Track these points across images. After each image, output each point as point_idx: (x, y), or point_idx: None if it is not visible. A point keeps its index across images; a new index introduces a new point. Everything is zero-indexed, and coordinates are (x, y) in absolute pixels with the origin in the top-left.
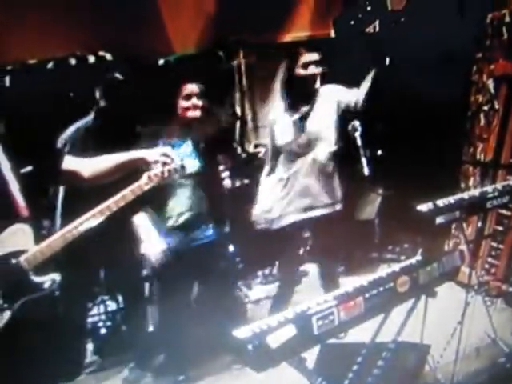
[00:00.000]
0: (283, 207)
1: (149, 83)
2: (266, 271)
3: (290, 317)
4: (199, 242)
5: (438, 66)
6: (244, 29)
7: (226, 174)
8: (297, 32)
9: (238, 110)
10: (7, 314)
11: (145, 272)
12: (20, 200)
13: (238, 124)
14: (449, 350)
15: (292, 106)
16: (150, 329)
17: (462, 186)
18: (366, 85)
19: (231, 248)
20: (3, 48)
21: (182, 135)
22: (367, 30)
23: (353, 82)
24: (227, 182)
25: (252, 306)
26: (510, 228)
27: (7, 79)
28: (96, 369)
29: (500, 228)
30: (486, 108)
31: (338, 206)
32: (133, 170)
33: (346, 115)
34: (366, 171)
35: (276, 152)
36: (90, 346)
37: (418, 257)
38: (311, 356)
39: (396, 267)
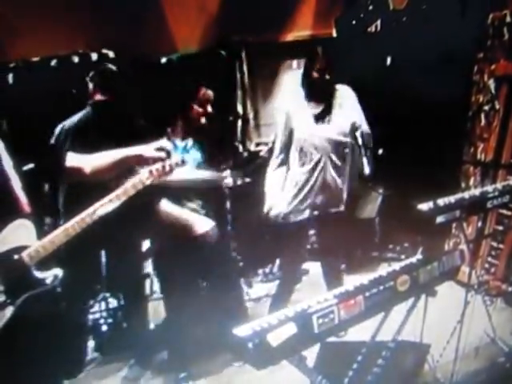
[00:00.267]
0: (298, 202)
1: (157, 81)
2: (267, 269)
3: (290, 315)
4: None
5: (439, 66)
6: (246, 28)
7: (229, 172)
8: (299, 31)
9: (240, 109)
10: (10, 310)
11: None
12: (22, 196)
13: (239, 122)
14: (448, 350)
15: (311, 101)
16: (151, 326)
17: (463, 185)
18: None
19: (234, 246)
20: (6, 46)
21: (188, 136)
22: (369, 29)
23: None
24: (231, 181)
25: (252, 304)
26: (510, 228)
27: (10, 77)
28: (97, 366)
29: (500, 228)
30: (486, 108)
31: (345, 205)
32: (133, 165)
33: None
34: (367, 170)
35: (288, 145)
36: (91, 343)
37: (419, 256)
38: (311, 354)
39: (396, 266)
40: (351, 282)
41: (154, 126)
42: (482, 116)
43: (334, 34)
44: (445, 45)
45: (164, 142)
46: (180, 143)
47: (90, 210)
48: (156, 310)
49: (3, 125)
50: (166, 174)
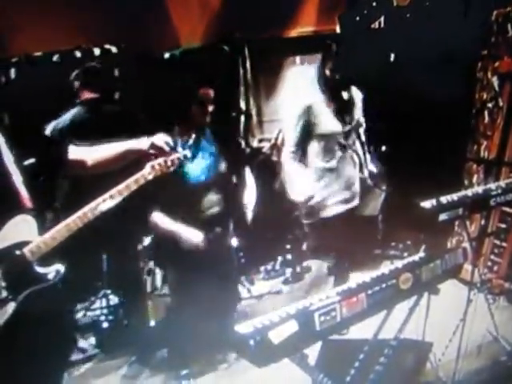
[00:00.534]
0: (324, 198)
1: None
2: (269, 266)
3: (292, 312)
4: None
5: (442, 63)
6: (249, 24)
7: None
8: (302, 27)
9: (243, 105)
10: (12, 306)
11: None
12: (23, 192)
13: (242, 119)
14: (451, 348)
15: (328, 97)
16: (152, 323)
17: (466, 183)
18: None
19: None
20: (8, 40)
21: (192, 133)
22: (372, 25)
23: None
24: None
25: (254, 301)
26: None
27: (12, 71)
28: (97, 363)
29: (503, 226)
30: (490, 105)
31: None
32: (135, 158)
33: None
34: (370, 167)
35: (306, 138)
36: (91, 340)
37: (421, 254)
38: (313, 352)
39: (399, 264)
40: (353, 279)
41: (156, 122)
42: (486, 113)
43: (338, 31)
44: (448, 42)
45: (165, 137)
46: (184, 140)
47: (92, 204)
48: (157, 307)
49: (4, 119)
50: (169, 169)
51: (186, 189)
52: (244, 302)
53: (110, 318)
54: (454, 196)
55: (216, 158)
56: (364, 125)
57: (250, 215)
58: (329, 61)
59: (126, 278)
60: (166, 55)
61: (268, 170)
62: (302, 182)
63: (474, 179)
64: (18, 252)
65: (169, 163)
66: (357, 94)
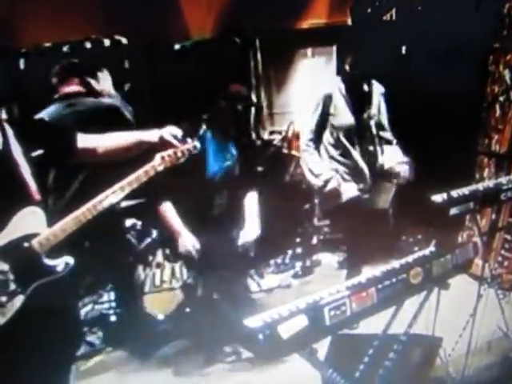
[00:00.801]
0: (339, 184)
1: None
2: (279, 260)
3: (301, 307)
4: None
5: (454, 56)
6: (260, 16)
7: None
8: (313, 19)
9: (254, 97)
10: (20, 299)
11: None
12: (32, 184)
13: (253, 111)
14: (460, 343)
15: (348, 91)
16: (161, 317)
17: (477, 176)
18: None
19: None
20: (17, 31)
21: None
22: (384, 17)
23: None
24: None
25: (264, 295)
26: None
27: (21, 62)
28: (105, 356)
29: None
30: (501, 99)
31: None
32: (146, 149)
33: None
34: (381, 160)
35: (322, 128)
36: (99, 334)
37: (432, 248)
38: (322, 347)
39: (409, 258)
40: (365, 273)
41: (160, 114)
42: (497, 107)
43: (349, 23)
44: (460, 34)
45: (174, 129)
46: (194, 131)
47: (102, 196)
48: (164, 301)
49: (13, 111)
50: (178, 160)
51: (197, 182)
52: (253, 295)
53: (118, 311)
54: (465, 190)
55: (228, 153)
56: (374, 118)
57: (260, 209)
58: (347, 55)
59: (121, 271)
60: (177, 46)
61: (279, 162)
62: (320, 166)
63: (485, 173)
64: (26, 244)
65: (179, 154)
66: (377, 88)
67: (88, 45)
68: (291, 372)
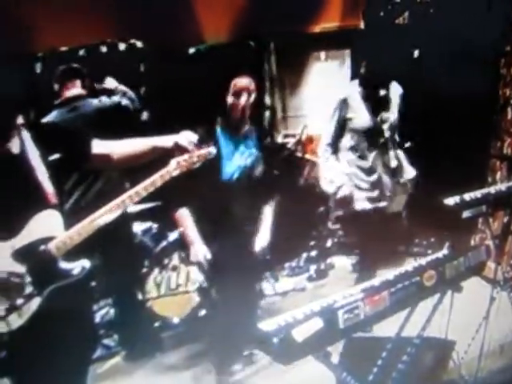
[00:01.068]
0: (353, 191)
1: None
2: (293, 263)
3: (316, 310)
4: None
5: (466, 59)
6: (275, 19)
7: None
8: (326, 23)
9: (268, 101)
10: (37, 301)
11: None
12: (49, 187)
13: (267, 114)
14: (473, 346)
15: (366, 95)
16: (176, 320)
17: (489, 180)
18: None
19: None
20: (34, 35)
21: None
22: (397, 21)
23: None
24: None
25: (279, 298)
26: None
27: (38, 66)
28: (121, 358)
29: None
30: None
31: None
32: (160, 155)
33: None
34: (394, 163)
35: (340, 132)
36: (115, 336)
37: (445, 251)
38: (336, 350)
39: (423, 261)
40: (378, 276)
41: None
42: (509, 110)
43: (362, 26)
44: (472, 37)
45: (190, 135)
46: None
47: (118, 200)
48: (179, 304)
49: (30, 115)
50: (194, 165)
51: (212, 185)
52: (268, 299)
53: (132, 314)
54: (478, 193)
55: (244, 153)
56: (388, 121)
57: (275, 212)
58: (362, 57)
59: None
60: (191, 50)
61: (293, 165)
62: (334, 173)
63: (498, 176)
64: (43, 247)
65: (194, 159)
66: (396, 91)
67: (104, 49)
68: (305, 375)
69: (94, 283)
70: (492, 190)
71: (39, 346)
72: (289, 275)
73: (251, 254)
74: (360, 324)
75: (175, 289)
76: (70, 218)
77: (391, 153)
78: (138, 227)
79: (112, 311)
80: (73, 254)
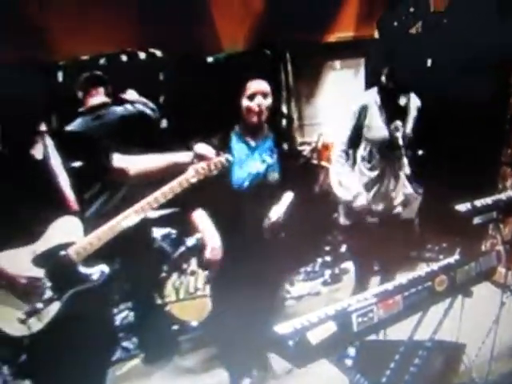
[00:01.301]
0: (367, 202)
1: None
2: (309, 268)
3: (330, 314)
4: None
5: (477, 68)
6: (291, 28)
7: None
8: (341, 32)
9: (285, 109)
10: (56, 305)
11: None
12: (70, 194)
13: (284, 122)
14: (484, 350)
15: (383, 104)
16: (194, 323)
17: (500, 186)
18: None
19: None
20: (56, 44)
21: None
22: (410, 31)
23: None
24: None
25: (294, 302)
26: None
27: (60, 75)
28: (140, 361)
29: None
30: None
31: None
32: (180, 170)
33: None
34: (407, 170)
35: (356, 140)
36: (134, 339)
37: (456, 256)
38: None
39: (434, 266)
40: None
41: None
42: None
43: (376, 36)
44: (484, 47)
45: (206, 146)
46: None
47: (137, 206)
48: (198, 308)
49: (53, 122)
50: (211, 173)
51: (223, 194)
52: (284, 302)
53: (152, 318)
54: (488, 200)
55: (259, 163)
56: (401, 129)
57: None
58: (383, 66)
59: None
60: (209, 59)
61: (309, 172)
62: (349, 180)
63: (508, 183)
64: (63, 253)
65: (212, 167)
66: (414, 102)
67: (124, 58)
68: (319, 378)
69: (113, 287)
70: (503, 196)
71: (59, 349)
72: (304, 280)
73: (263, 260)
74: (374, 327)
75: (194, 293)
76: (91, 225)
77: (403, 164)
78: (156, 232)
79: (131, 314)
80: (92, 259)
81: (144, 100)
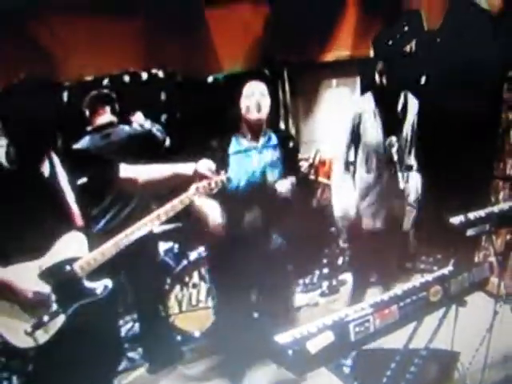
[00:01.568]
0: (362, 214)
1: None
2: (307, 280)
3: (328, 324)
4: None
5: (470, 84)
6: (288, 48)
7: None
8: (338, 51)
9: (283, 126)
10: (61, 318)
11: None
12: (75, 210)
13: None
14: (478, 358)
15: (381, 110)
16: (197, 334)
17: (492, 199)
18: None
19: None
20: (62, 65)
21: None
22: (404, 49)
23: None
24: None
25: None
26: None
27: (65, 95)
28: (145, 371)
29: None
30: None
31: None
32: (182, 181)
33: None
34: (402, 185)
35: (355, 147)
36: (139, 350)
37: (450, 267)
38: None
39: (429, 277)
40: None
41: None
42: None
43: (372, 55)
44: (476, 64)
45: (208, 163)
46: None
47: (140, 223)
48: (200, 319)
49: (58, 141)
50: (212, 191)
51: (227, 196)
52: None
53: (156, 329)
54: (481, 212)
55: (258, 167)
56: (396, 145)
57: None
58: (377, 64)
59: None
60: (210, 79)
61: (306, 188)
62: (345, 195)
63: (501, 196)
64: (68, 267)
65: (212, 185)
66: (412, 106)
67: (126, 78)
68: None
69: (118, 300)
70: (495, 209)
71: (65, 360)
72: (303, 291)
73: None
74: (370, 337)
75: (196, 305)
76: (98, 240)
77: (399, 173)
78: (160, 247)
79: (136, 326)
80: (97, 273)
81: (151, 123)
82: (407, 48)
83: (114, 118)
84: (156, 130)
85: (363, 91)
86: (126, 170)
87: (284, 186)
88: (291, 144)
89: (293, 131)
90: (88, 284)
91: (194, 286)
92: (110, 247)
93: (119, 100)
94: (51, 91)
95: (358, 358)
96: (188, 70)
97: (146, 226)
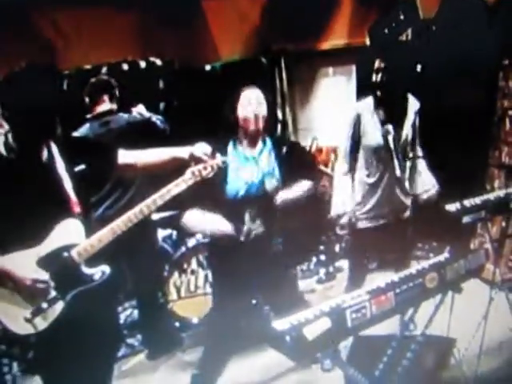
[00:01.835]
0: (364, 211)
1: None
2: (304, 266)
3: (325, 310)
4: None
5: (466, 72)
6: (285, 37)
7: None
8: (335, 40)
9: (280, 114)
10: (60, 305)
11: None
12: (73, 197)
13: (279, 127)
14: (473, 344)
15: (380, 109)
16: (195, 320)
17: (488, 187)
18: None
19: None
20: (61, 54)
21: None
22: (400, 38)
23: None
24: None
25: None
26: None
27: (65, 83)
28: (145, 357)
29: None
30: (511, 113)
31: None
32: (179, 165)
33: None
34: (398, 173)
35: (355, 149)
36: (139, 336)
37: (446, 254)
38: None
39: (425, 264)
40: (383, 279)
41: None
42: (507, 121)
43: (368, 43)
44: (472, 52)
45: (204, 146)
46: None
47: (136, 209)
48: (198, 305)
49: (57, 129)
50: (208, 175)
51: (217, 203)
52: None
53: (154, 316)
54: (477, 200)
55: (255, 174)
56: (392, 132)
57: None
58: (379, 70)
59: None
60: (208, 67)
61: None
62: (342, 194)
63: (496, 184)
64: (66, 254)
65: (208, 169)
66: (412, 105)
67: (125, 66)
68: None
69: (117, 287)
70: (491, 196)
71: (65, 346)
72: (300, 278)
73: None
74: (367, 323)
75: (194, 291)
76: (96, 228)
77: (395, 161)
78: (159, 234)
79: (136, 312)
80: (96, 259)
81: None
82: (403, 36)
83: (113, 106)
84: (156, 118)
85: (361, 94)
86: (125, 156)
87: (291, 193)
88: (288, 149)
89: (289, 119)
90: (86, 270)
91: (193, 272)
92: (107, 233)
93: (119, 88)
94: (51, 79)
95: (355, 344)
96: (186, 58)
97: (143, 211)
